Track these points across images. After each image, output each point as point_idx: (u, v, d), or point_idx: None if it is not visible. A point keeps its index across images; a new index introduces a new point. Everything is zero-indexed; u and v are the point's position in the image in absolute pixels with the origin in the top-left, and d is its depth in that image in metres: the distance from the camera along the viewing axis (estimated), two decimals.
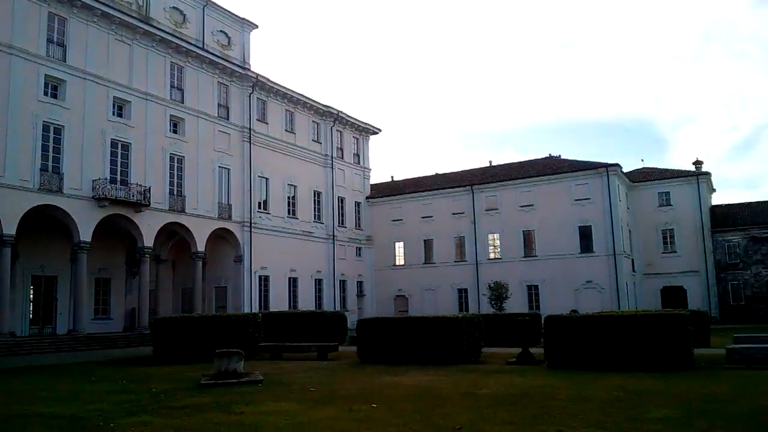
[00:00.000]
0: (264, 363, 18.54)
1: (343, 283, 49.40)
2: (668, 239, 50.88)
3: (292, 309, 40.08)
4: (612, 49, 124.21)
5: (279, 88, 43.48)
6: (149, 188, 33.20)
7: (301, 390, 12.40)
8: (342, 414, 9.36)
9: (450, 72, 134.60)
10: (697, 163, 52.37)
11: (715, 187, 55.59)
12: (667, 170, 53.95)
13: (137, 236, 33.47)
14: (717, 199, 56.24)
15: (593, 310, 25.93)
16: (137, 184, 32.76)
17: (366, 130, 54.02)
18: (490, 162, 57.23)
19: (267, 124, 42.98)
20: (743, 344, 16.47)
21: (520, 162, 54.71)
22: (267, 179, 42.48)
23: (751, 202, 53.71)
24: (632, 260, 49.17)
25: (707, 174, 51.66)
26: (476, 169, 56.66)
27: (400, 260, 53.39)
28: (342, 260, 49.21)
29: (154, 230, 34.02)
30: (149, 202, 33.00)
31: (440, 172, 59.10)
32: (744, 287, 48.90)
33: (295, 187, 45.20)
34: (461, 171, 57.29)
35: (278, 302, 40.90)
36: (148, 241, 33.58)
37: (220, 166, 38.75)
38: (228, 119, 39.84)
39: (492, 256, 49.67)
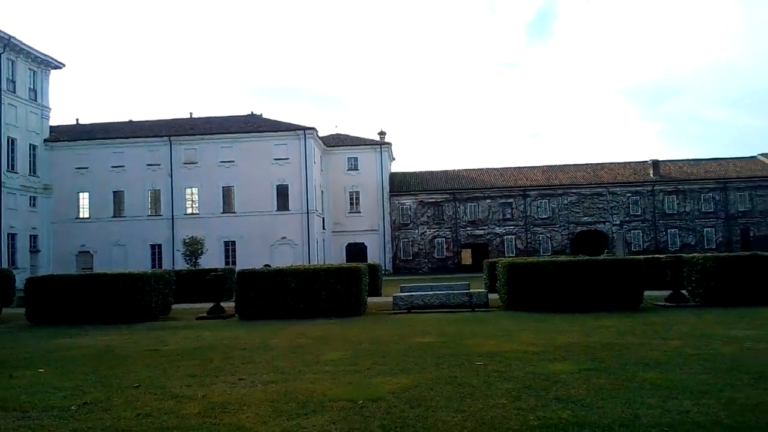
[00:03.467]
0: None
1: (12, 237, 42.86)
2: (354, 200, 56.10)
3: None
4: (310, 22, 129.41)
5: None
6: None
7: None
8: None
9: (151, 17, 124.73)
10: (382, 134, 58.38)
11: (394, 155, 62.67)
12: (357, 138, 58.94)
13: None
14: (396, 167, 63.61)
15: (287, 265, 27.35)
16: None
17: (46, 63, 47.01)
18: (191, 114, 55.24)
19: None
20: (406, 292, 19.19)
21: (223, 117, 53.95)
22: None
23: (421, 171, 62.18)
24: (323, 219, 52.89)
25: (389, 144, 57.99)
26: (175, 119, 54.14)
27: (84, 212, 48.59)
28: (11, 211, 42.55)
29: None
30: None
31: (135, 119, 54.93)
32: (412, 244, 56.65)
33: None
34: (158, 120, 54.20)
35: None
36: None
37: None
38: None
39: (190, 211, 48.45)
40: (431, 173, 61.85)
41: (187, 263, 41.52)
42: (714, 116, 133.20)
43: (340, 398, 6.67)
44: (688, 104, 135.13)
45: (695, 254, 18.23)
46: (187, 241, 42.71)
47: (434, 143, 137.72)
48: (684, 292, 16.93)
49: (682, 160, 60.84)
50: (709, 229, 55.46)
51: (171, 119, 54.18)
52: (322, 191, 53.12)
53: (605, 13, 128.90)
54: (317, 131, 49.84)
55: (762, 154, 61.29)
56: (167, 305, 17.99)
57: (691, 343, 9.89)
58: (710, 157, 61.74)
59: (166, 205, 48.15)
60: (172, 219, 47.80)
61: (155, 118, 55.02)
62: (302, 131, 48.28)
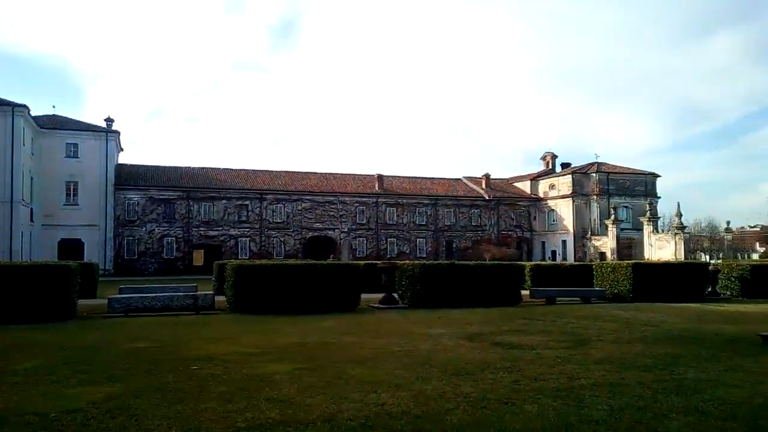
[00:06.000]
0: None
1: None
2: (72, 192, 50.34)
3: None
4: None
5: None
6: None
7: None
8: None
9: None
10: (109, 120, 53.45)
11: (123, 146, 57.97)
12: (79, 122, 53.17)
13: None
14: (124, 158, 58.90)
15: None
16: None
17: None
18: None
19: None
20: (125, 294, 17.84)
21: None
22: None
23: (153, 165, 58.52)
24: (31, 210, 46.38)
25: (117, 132, 53.40)
26: None
27: None
28: None
29: None
30: None
31: None
32: (139, 243, 52.86)
33: None
34: None
35: None
36: None
37: None
38: None
39: None
40: (164, 168, 58.51)
41: None
42: (431, 139, 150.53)
43: (27, 412, 5.93)
44: (410, 126, 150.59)
45: (406, 261, 20.33)
46: None
47: (170, 139, 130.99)
48: (395, 295, 18.74)
49: (402, 176, 67.40)
50: (422, 239, 62.35)
51: None
52: (32, 178, 46.51)
53: (349, 26, 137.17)
54: (29, 109, 43.55)
55: (465, 177, 71.12)
56: None
57: (395, 341, 10.97)
58: (425, 175, 69.72)
59: None
60: None
61: None
62: (9, 108, 41.70)
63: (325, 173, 64.48)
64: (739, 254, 47.67)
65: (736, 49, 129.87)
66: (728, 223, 57.44)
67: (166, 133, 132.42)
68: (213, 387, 7.11)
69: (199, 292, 18.18)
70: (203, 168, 60.26)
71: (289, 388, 6.98)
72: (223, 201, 55.70)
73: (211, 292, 19.21)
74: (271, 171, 62.39)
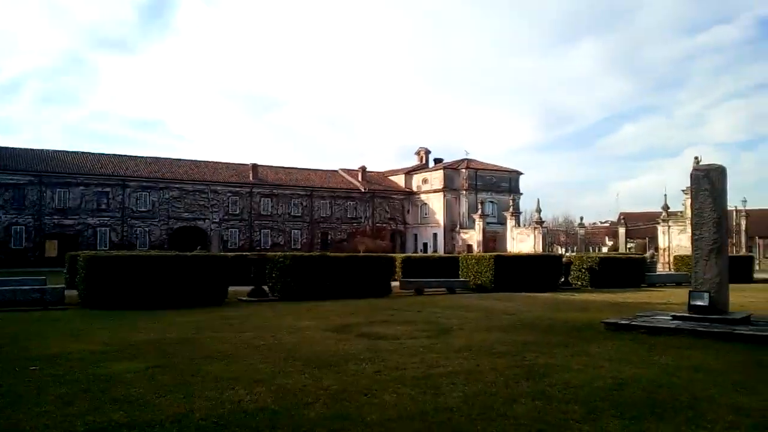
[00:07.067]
0: None
1: None
2: None
3: None
4: None
5: None
6: None
7: None
8: None
9: None
10: None
11: None
12: None
13: None
14: None
15: None
16: None
17: None
18: None
19: None
20: None
21: None
22: None
23: (1, 147, 53.05)
24: None
25: None
26: None
27: None
28: None
29: None
30: None
31: None
32: None
33: None
34: None
35: None
36: None
37: None
38: None
39: None
40: (13, 150, 53.21)
41: None
42: (307, 131, 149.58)
43: None
44: (288, 117, 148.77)
45: (277, 253, 19.96)
46: None
47: (24, 119, 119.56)
48: (265, 287, 18.35)
49: (278, 166, 66.34)
50: (297, 231, 61.81)
51: None
52: None
53: (226, 10, 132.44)
54: None
55: (342, 169, 71.36)
56: None
57: (260, 335, 10.71)
58: (301, 166, 69.16)
59: None
60: None
61: None
62: None
63: (196, 161, 61.95)
64: (591, 248, 51.92)
65: (596, 58, 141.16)
66: (582, 218, 62.24)
67: (19, 112, 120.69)
68: (53, 389, 6.50)
69: (47, 286, 16.69)
70: (58, 151, 55.59)
71: (139, 388, 6.54)
72: (81, 187, 51.73)
73: (62, 285, 17.71)
74: (135, 157, 58.87)
